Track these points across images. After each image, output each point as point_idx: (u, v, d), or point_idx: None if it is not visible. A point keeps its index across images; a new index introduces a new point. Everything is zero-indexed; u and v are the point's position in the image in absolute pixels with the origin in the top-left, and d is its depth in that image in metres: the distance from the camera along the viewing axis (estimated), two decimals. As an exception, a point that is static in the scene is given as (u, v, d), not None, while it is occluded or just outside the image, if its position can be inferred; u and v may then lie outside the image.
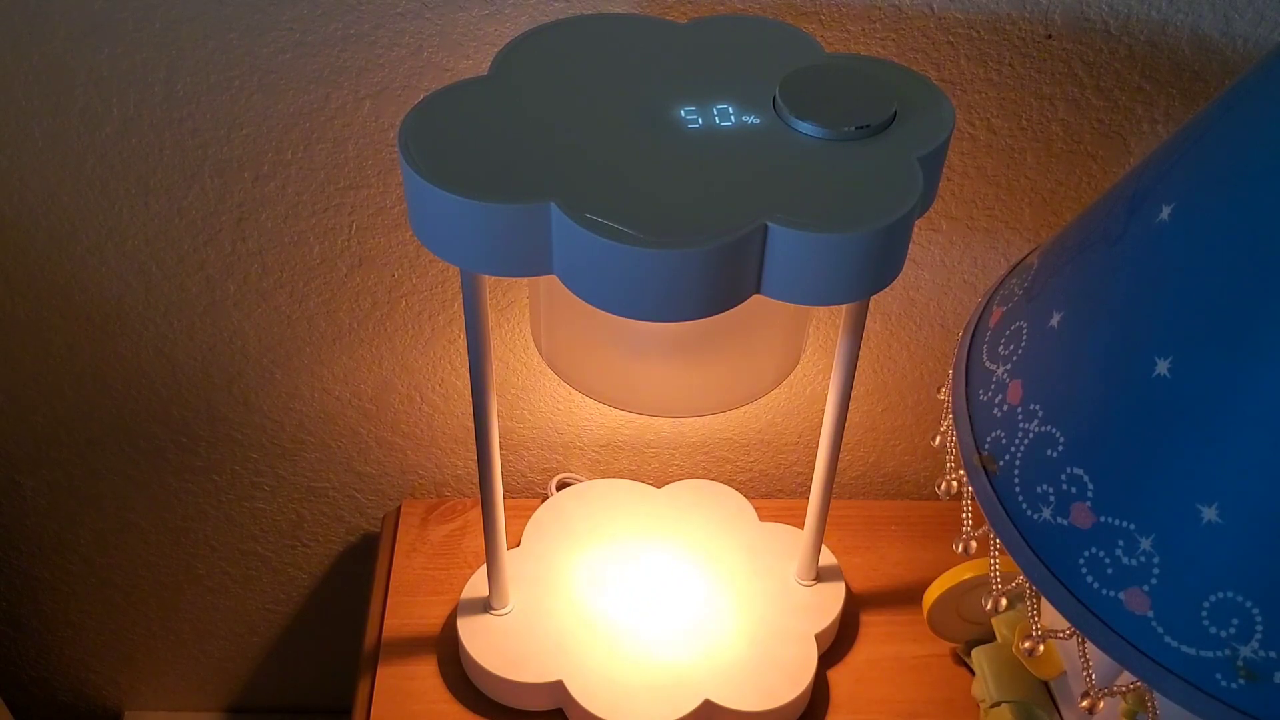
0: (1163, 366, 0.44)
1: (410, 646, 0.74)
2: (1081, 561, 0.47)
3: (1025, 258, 0.57)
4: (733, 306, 0.48)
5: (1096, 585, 0.47)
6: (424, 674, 0.73)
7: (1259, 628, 0.43)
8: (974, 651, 0.70)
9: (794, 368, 0.63)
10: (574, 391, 0.81)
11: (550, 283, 0.50)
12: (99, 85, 0.66)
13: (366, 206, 0.72)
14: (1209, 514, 0.44)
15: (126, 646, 1.04)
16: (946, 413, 0.57)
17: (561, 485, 0.84)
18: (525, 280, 0.73)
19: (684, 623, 0.73)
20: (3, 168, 0.70)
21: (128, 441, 0.86)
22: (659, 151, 0.49)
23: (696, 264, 0.45)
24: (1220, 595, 0.44)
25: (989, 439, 0.52)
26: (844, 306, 0.60)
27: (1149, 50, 0.66)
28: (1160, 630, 0.45)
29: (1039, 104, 0.68)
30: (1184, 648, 0.45)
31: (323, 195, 0.71)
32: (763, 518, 0.79)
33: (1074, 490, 0.48)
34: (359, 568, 0.96)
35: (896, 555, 0.81)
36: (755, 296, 0.49)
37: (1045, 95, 0.68)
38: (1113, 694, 0.53)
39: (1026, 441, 0.50)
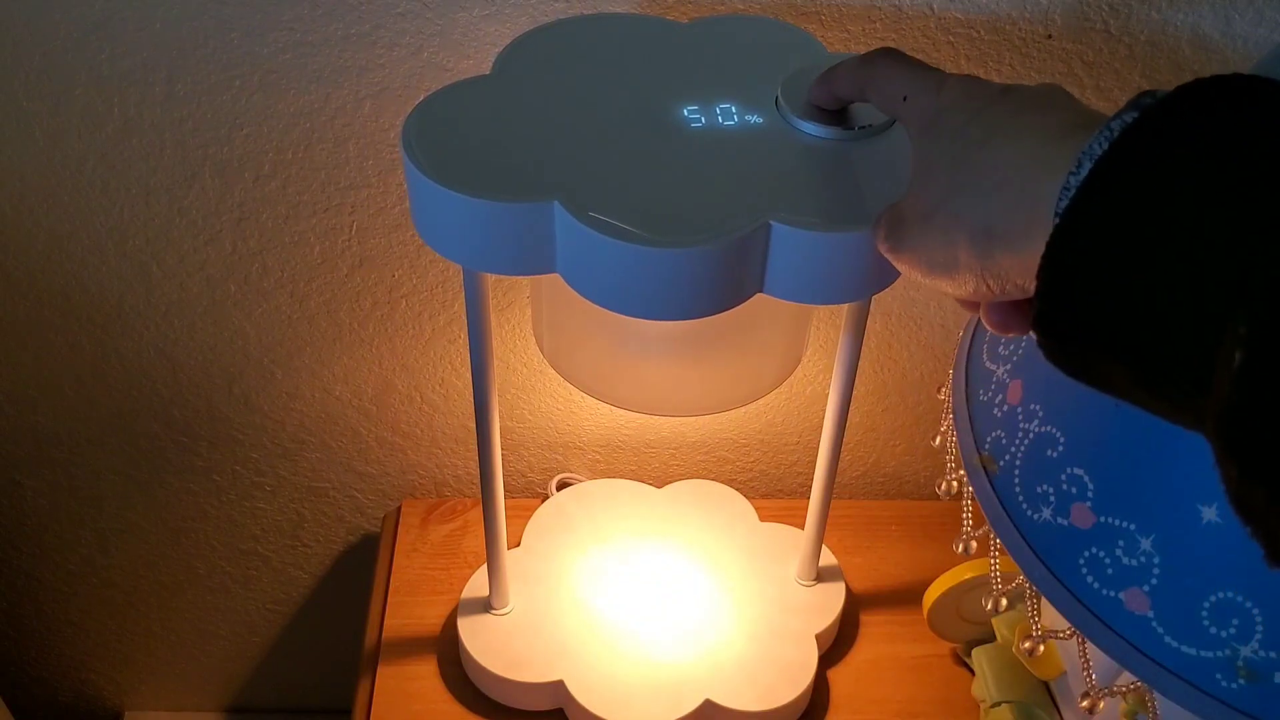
0: (1163, 366, 0.44)
1: (410, 646, 0.74)
2: (1082, 561, 0.47)
3: (1025, 258, 0.57)
4: (735, 305, 0.48)
5: (1097, 585, 0.47)
6: (424, 674, 0.73)
7: (1259, 628, 0.43)
8: (974, 651, 0.70)
9: (795, 367, 0.63)
10: (574, 391, 0.81)
11: (552, 281, 0.50)
12: (99, 85, 0.66)
13: (367, 206, 0.72)
14: (1209, 514, 0.44)
15: (126, 646, 1.04)
16: (946, 413, 0.57)
17: (561, 485, 0.84)
18: (527, 279, 0.74)
19: (684, 623, 0.73)
20: (3, 168, 0.70)
21: (128, 441, 0.86)
22: (662, 150, 0.49)
23: (699, 262, 0.45)
24: (1220, 595, 0.44)
25: (989, 439, 0.52)
26: (845, 306, 0.60)
27: (1149, 50, 0.66)
28: (1160, 630, 0.45)
29: (1039, 104, 0.68)
30: (1184, 648, 0.45)
31: (323, 195, 0.71)
32: (763, 518, 0.79)
33: (1074, 490, 0.48)
34: (359, 568, 0.95)
35: (896, 555, 0.81)
36: (757, 296, 0.49)
37: (1045, 95, 0.68)
38: (1113, 694, 0.53)
39: (1027, 441, 0.50)
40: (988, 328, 0.40)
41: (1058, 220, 0.32)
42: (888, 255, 0.43)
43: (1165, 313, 0.30)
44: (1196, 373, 0.29)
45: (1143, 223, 0.30)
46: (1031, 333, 0.38)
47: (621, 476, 0.84)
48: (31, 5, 0.63)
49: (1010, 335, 0.39)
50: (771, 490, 0.90)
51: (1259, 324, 0.27)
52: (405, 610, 0.76)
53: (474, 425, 0.63)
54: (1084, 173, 0.32)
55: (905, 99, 0.43)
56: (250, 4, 0.63)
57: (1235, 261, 0.28)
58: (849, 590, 0.76)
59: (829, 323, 0.79)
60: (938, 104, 0.40)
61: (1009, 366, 0.53)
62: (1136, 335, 0.31)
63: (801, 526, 0.73)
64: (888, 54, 0.45)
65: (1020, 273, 0.36)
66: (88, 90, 0.66)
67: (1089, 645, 0.53)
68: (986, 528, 0.53)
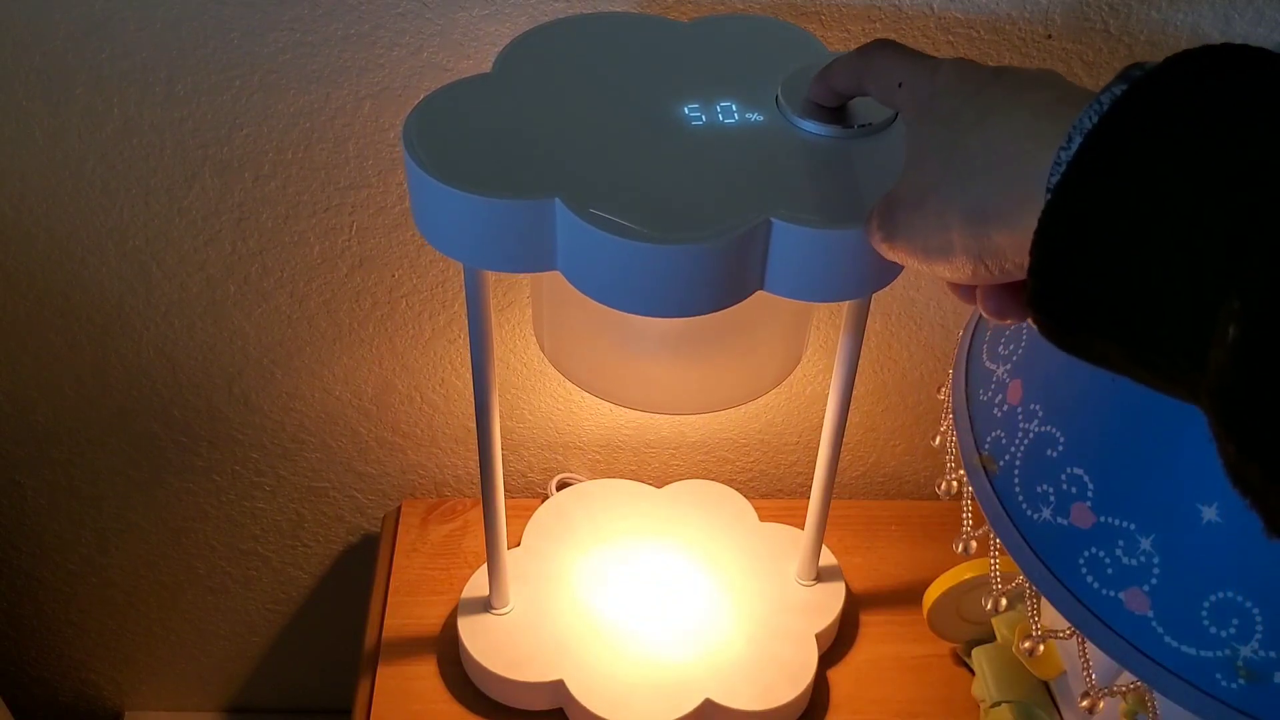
0: (1163, 366, 0.44)
1: (410, 646, 0.74)
2: (1081, 561, 0.47)
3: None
4: (736, 303, 0.48)
5: (1096, 585, 0.47)
6: (424, 674, 0.73)
7: (1259, 628, 0.43)
8: (974, 651, 0.70)
9: (795, 367, 0.63)
10: (574, 391, 0.81)
11: (553, 279, 0.50)
12: (99, 85, 0.66)
13: (367, 206, 0.72)
14: (1209, 514, 0.44)
15: (126, 646, 1.04)
16: (946, 413, 0.57)
17: (561, 485, 0.84)
18: (527, 278, 0.74)
19: (684, 622, 0.73)
20: (3, 168, 0.70)
21: (128, 441, 0.86)
22: (663, 148, 0.49)
23: (700, 259, 0.45)
24: (1220, 595, 0.44)
25: (989, 439, 0.52)
26: (844, 306, 0.60)
27: (1149, 50, 0.66)
28: (1160, 630, 0.45)
29: (1039, 104, 0.68)
30: (1184, 648, 0.45)
31: (323, 195, 0.71)
32: (763, 518, 0.79)
33: (1074, 490, 0.48)
34: (359, 568, 0.96)
35: (896, 555, 0.81)
36: (757, 294, 0.49)
37: (1045, 95, 0.68)
38: (1113, 694, 0.53)
39: (1026, 441, 0.50)
40: (985, 316, 0.40)
41: (1049, 196, 0.32)
42: (883, 245, 0.43)
43: (1159, 287, 0.30)
44: (1191, 347, 0.29)
45: (1134, 196, 0.30)
46: (1028, 321, 0.38)
47: (621, 476, 0.84)
48: (31, 5, 0.63)
49: (1008, 323, 0.39)
50: (771, 490, 0.90)
51: (1253, 298, 0.27)
52: (405, 610, 0.76)
53: (474, 425, 0.63)
54: (1074, 147, 0.32)
55: (901, 86, 0.43)
56: (250, 4, 0.63)
57: (1228, 234, 0.28)
58: (849, 590, 0.76)
59: (829, 323, 0.79)
60: (932, 89, 0.41)
61: (1009, 366, 0.53)
62: (1130, 310, 0.31)
63: (801, 526, 0.73)
64: (884, 44, 0.45)
65: (1016, 251, 0.35)
66: (88, 90, 0.66)
67: (1089, 645, 0.53)
68: (986, 528, 0.53)
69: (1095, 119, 0.32)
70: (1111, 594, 0.46)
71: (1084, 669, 0.53)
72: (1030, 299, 0.33)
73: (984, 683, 0.69)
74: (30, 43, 0.64)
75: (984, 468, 0.52)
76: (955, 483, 0.58)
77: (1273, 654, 0.43)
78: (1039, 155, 0.34)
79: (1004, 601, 0.57)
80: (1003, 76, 0.38)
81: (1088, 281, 0.31)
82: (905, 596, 0.78)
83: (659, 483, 0.82)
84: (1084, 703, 0.52)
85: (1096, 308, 0.32)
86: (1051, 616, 0.53)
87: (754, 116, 0.51)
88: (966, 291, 0.41)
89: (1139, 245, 0.30)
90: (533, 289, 0.65)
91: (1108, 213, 0.31)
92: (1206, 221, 0.29)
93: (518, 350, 0.80)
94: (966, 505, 0.57)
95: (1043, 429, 0.50)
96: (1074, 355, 0.34)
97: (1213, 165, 0.29)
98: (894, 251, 0.42)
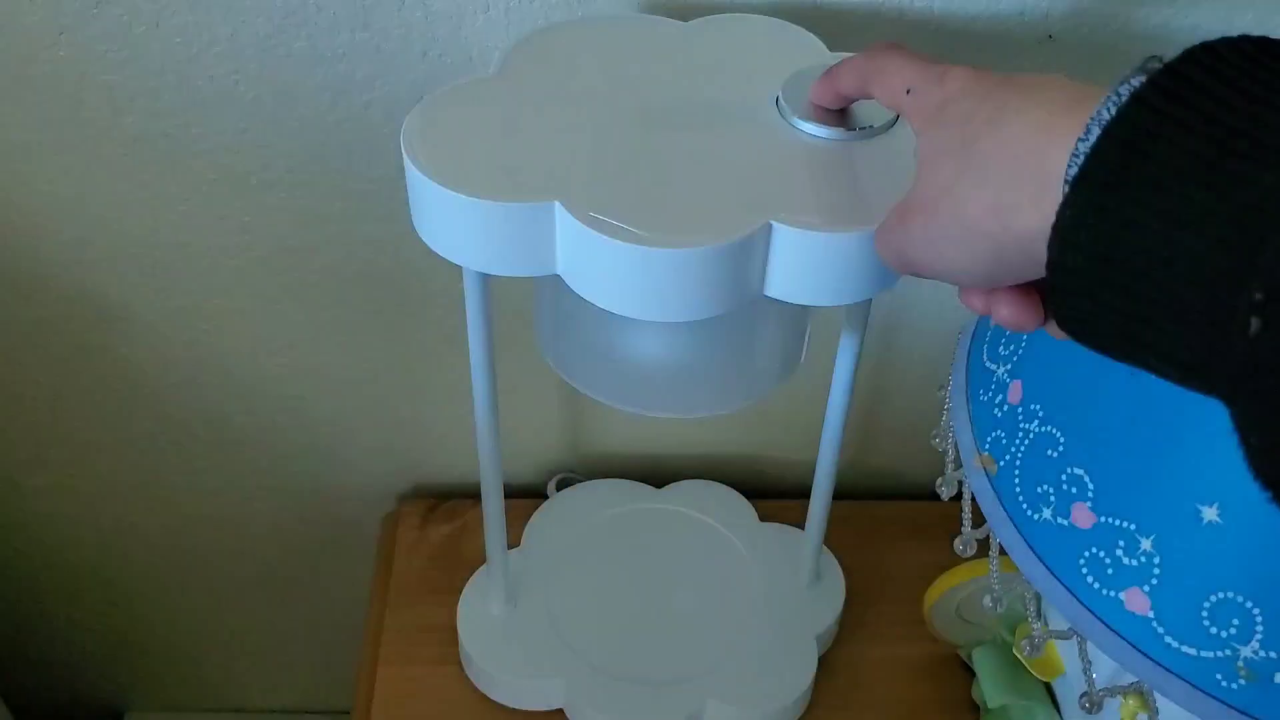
0: (1163, 367, 0.44)
1: (410, 646, 0.74)
2: (1082, 561, 0.47)
3: (1026, 258, 0.57)
4: (736, 306, 0.48)
5: (1097, 585, 0.47)
6: (424, 674, 0.73)
7: (1259, 628, 0.43)
8: (974, 652, 0.70)
9: (796, 368, 0.63)
10: (574, 391, 0.81)
11: (553, 281, 0.50)
12: (99, 85, 0.66)
13: (368, 208, 0.72)
14: (1209, 514, 0.44)
15: (126, 646, 1.05)
16: (946, 413, 0.57)
17: (561, 485, 0.84)
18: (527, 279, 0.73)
19: (684, 623, 0.73)
20: (3, 169, 0.70)
21: (128, 441, 0.86)
22: (663, 151, 0.49)
23: (700, 263, 0.45)
24: (1220, 595, 0.44)
25: (989, 439, 0.53)
26: (845, 306, 0.60)
27: (1149, 51, 0.66)
28: (1160, 630, 0.45)
29: (1039, 105, 0.68)
30: (1184, 648, 0.45)
31: (326, 197, 0.71)
32: (763, 518, 0.79)
33: (1074, 490, 0.48)
34: (359, 568, 0.96)
35: (896, 555, 0.81)
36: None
37: (1045, 96, 0.68)
38: (1113, 694, 0.53)
39: (1027, 441, 0.50)
40: (1004, 326, 0.40)
41: (1067, 187, 0.32)
42: (896, 253, 0.42)
43: (1178, 278, 0.30)
44: (1212, 339, 0.29)
45: (1152, 187, 0.30)
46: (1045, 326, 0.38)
47: (621, 476, 0.84)
48: (31, 5, 0.63)
49: (1026, 329, 0.39)
50: (771, 490, 0.90)
51: (1274, 289, 0.27)
52: (405, 610, 0.76)
53: (474, 425, 0.63)
54: (1092, 138, 0.32)
55: (909, 92, 0.43)
56: (252, 5, 0.63)
57: (1248, 225, 0.28)
58: (849, 590, 0.76)
59: (829, 323, 0.79)
60: (942, 95, 0.40)
61: (1009, 366, 0.53)
62: (1149, 304, 0.31)
63: (801, 526, 0.73)
64: (891, 48, 0.45)
65: (1033, 248, 0.35)
66: (88, 90, 0.66)
67: (1089, 645, 0.53)
68: (986, 528, 0.53)
69: (1113, 110, 0.32)
70: (1111, 594, 0.46)
71: (1084, 669, 0.53)
72: (1049, 293, 0.33)
73: (984, 683, 0.69)
74: (30, 43, 0.64)
75: (984, 468, 0.52)
76: (955, 483, 0.58)
77: (1273, 654, 0.43)
78: (1056, 149, 0.33)
79: (1004, 601, 0.57)
80: (1014, 80, 0.38)
81: (1106, 275, 0.31)
82: (905, 596, 0.78)
83: (659, 483, 0.82)
84: (1084, 703, 0.53)
85: (1115, 301, 0.31)
86: (1051, 616, 0.53)
87: (754, 118, 0.51)
88: (979, 299, 0.41)
89: (1157, 236, 0.30)
90: (534, 291, 0.65)
91: (1126, 203, 0.30)
92: (1226, 213, 0.29)
93: (518, 350, 0.80)
94: (966, 505, 0.58)
95: (1043, 429, 0.50)
96: (1093, 349, 0.34)
97: (1232, 156, 0.29)
98: (907, 256, 0.42)
